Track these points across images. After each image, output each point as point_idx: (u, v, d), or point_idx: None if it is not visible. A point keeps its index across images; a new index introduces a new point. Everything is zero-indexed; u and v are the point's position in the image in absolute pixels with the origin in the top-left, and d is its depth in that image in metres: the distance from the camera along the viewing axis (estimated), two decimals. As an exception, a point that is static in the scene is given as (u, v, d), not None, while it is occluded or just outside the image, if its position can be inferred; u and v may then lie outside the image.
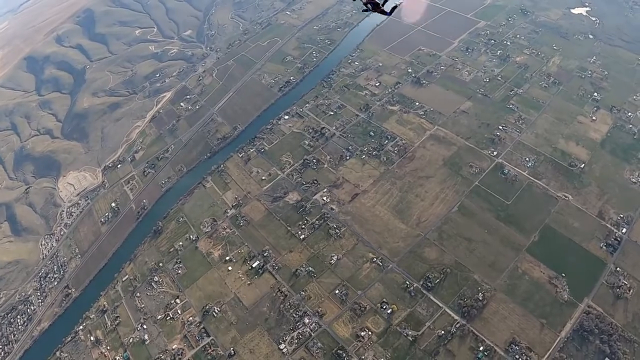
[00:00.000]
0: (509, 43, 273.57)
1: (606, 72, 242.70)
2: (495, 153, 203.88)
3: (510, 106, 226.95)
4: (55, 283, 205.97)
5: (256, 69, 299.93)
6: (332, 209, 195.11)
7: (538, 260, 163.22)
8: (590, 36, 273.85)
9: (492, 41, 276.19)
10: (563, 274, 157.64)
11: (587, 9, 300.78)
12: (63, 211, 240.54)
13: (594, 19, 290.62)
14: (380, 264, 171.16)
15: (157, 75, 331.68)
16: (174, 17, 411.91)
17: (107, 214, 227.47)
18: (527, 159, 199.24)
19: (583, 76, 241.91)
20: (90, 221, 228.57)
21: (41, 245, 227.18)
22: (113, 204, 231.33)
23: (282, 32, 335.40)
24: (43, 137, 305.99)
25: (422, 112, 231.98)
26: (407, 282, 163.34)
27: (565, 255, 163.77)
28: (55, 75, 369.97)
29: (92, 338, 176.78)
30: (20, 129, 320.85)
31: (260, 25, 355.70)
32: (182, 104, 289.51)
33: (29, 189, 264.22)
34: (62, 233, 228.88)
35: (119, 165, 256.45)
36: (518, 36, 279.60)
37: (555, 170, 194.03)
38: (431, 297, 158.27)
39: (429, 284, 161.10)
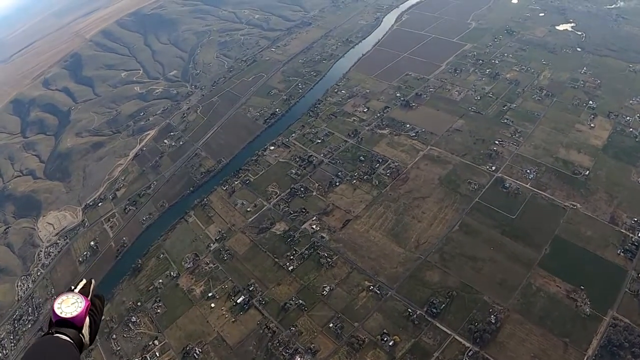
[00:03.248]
0: (497, 62, 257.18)
1: (599, 81, 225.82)
2: (493, 168, 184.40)
3: (505, 121, 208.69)
4: (29, 326, 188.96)
5: (241, 104, 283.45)
6: (322, 237, 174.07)
7: (552, 274, 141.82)
8: (578, 49, 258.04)
9: (480, 61, 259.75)
10: (582, 286, 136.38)
11: (572, 24, 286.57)
12: (41, 251, 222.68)
13: (579, 33, 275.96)
14: (378, 291, 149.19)
15: (142, 114, 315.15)
16: (160, 59, 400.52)
17: (85, 253, 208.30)
18: (527, 170, 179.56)
19: (576, 86, 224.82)
20: (68, 261, 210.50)
21: (17, 286, 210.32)
22: (92, 243, 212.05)
23: (267, 67, 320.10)
24: (25, 177, 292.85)
25: (414, 134, 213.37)
26: (409, 310, 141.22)
27: (582, 266, 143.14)
28: (41, 117, 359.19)
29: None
30: (3, 170, 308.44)
31: (245, 62, 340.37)
32: (165, 140, 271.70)
33: (8, 229, 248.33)
34: (39, 274, 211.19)
35: (99, 204, 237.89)
36: (506, 55, 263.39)
37: (559, 180, 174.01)
38: (437, 324, 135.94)
39: (434, 310, 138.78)
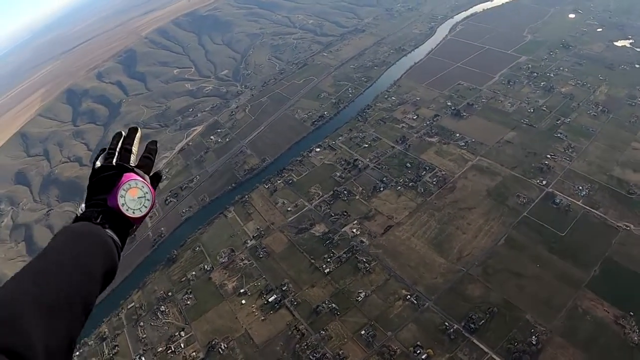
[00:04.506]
0: (552, 75, 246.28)
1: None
2: (544, 182, 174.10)
3: (558, 135, 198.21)
4: None
5: (290, 105, 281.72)
6: (362, 241, 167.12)
7: (600, 297, 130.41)
8: (637, 66, 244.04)
9: (535, 74, 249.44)
10: (631, 313, 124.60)
11: (631, 41, 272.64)
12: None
13: (638, 49, 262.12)
14: (415, 302, 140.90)
15: (190, 110, 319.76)
16: (212, 59, 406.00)
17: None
18: (580, 187, 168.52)
19: (633, 104, 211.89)
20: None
21: None
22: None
23: (318, 71, 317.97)
24: (72, 164, 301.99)
25: (463, 143, 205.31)
26: (446, 323, 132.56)
27: (632, 290, 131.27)
28: (92, 107, 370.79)
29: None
30: (51, 155, 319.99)
31: (296, 65, 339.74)
32: (212, 137, 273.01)
33: (50, 211, 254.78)
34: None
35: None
36: (561, 68, 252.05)
37: (612, 199, 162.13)
38: (475, 341, 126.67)
39: (472, 326, 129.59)
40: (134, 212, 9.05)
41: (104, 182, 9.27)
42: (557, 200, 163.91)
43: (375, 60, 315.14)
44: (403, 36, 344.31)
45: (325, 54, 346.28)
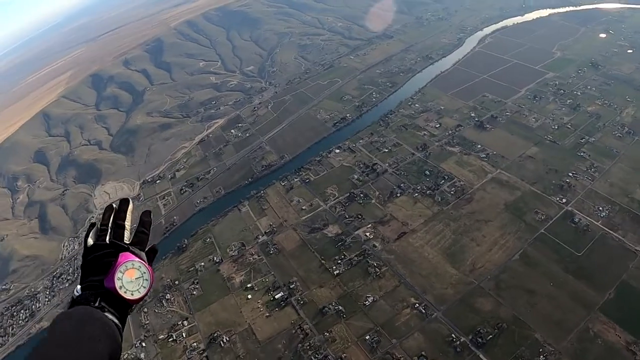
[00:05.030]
0: (579, 93, 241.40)
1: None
2: (564, 200, 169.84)
3: (582, 154, 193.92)
4: (67, 285, 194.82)
5: (313, 105, 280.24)
6: (374, 246, 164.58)
7: (613, 321, 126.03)
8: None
9: (562, 91, 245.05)
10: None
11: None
12: (93, 217, 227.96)
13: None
14: (423, 311, 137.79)
15: (213, 102, 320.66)
16: (239, 54, 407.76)
17: (134, 225, 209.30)
18: (600, 208, 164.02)
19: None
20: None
21: (63, 246, 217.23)
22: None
23: (343, 73, 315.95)
24: (92, 147, 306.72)
25: (484, 155, 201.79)
26: (453, 335, 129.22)
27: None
28: (116, 93, 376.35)
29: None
30: (72, 137, 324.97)
31: (322, 66, 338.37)
32: (232, 130, 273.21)
33: (66, 191, 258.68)
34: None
35: (157, 181, 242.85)
36: (589, 87, 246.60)
37: (633, 222, 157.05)
38: (481, 356, 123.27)
39: (480, 340, 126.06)
40: (132, 294, 9.04)
41: (99, 262, 9.29)
42: (576, 220, 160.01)
43: (401, 66, 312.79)
44: (431, 45, 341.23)
45: (352, 57, 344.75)
